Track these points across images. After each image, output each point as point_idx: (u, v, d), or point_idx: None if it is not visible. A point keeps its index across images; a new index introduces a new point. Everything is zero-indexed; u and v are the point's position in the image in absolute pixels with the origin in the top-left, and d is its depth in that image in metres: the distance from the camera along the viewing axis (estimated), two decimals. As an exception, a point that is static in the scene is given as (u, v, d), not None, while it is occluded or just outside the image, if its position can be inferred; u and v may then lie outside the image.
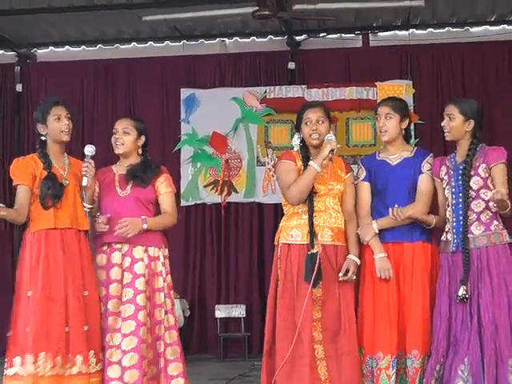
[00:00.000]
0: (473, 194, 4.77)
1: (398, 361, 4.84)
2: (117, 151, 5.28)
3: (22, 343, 4.82)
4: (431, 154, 5.12)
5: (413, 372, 4.81)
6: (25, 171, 4.97)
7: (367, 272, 5.02)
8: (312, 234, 4.94)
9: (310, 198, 4.99)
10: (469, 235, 4.74)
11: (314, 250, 4.91)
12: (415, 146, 5.26)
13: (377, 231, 4.97)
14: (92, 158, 5.05)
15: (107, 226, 5.06)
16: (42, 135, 5.06)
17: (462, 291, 4.67)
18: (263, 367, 5.06)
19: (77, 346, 4.85)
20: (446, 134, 4.93)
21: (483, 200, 4.77)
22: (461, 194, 4.79)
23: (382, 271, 4.91)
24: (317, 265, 4.87)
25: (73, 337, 4.85)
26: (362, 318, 4.97)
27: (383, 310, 4.90)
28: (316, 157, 5.00)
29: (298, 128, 5.17)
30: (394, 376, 4.81)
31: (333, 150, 4.92)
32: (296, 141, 5.18)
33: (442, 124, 4.92)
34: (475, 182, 4.78)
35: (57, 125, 5.03)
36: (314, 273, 4.85)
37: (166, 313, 5.17)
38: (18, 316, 4.91)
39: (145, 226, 5.05)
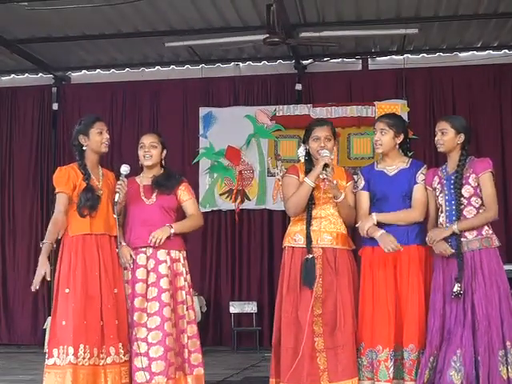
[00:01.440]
0: (464, 201, 4.76)
1: (395, 353, 4.81)
2: (146, 163, 5.27)
3: (59, 336, 4.84)
4: (425, 166, 5.08)
5: (410, 364, 4.77)
6: (66, 181, 4.98)
7: (367, 273, 4.97)
8: (308, 240, 4.92)
9: (308, 206, 4.98)
10: (462, 239, 4.72)
11: (310, 256, 4.90)
12: (410, 158, 5.20)
13: (375, 222, 4.91)
14: (126, 176, 5.06)
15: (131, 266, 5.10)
16: (82, 146, 5.06)
17: (456, 288, 4.64)
18: (272, 358, 5.05)
19: (111, 338, 4.87)
20: (438, 147, 4.90)
21: (474, 207, 4.76)
22: (453, 202, 4.78)
23: (386, 245, 4.81)
24: (314, 268, 4.87)
25: (107, 330, 4.86)
26: (362, 315, 4.92)
27: (382, 307, 4.85)
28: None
29: (305, 141, 5.14)
30: (392, 367, 4.77)
31: (327, 165, 4.88)
32: (302, 152, 5.17)
33: (436, 139, 4.90)
34: (466, 191, 4.77)
35: (99, 138, 5.06)
36: (316, 277, 4.87)
37: (187, 309, 5.17)
38: (57, 311, 4.92)
39: (172, 231, 5.10)
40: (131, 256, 5.07)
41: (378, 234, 4.88)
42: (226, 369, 7.71)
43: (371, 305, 4.89)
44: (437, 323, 4.71)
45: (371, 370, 4.83)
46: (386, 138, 5.03)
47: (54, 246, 4.91)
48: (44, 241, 4.87)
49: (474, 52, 10.36)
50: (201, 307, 9.67)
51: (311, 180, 4.92)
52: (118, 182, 5.02)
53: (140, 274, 5.08)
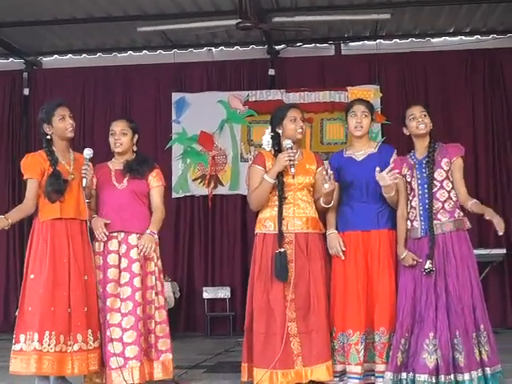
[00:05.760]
0: (437, 184, 4.85)
1: (366, 337, 4.87)
2: (116, 150, 5.27)
3: (26, 322, 4.85)
4: (395, 151, 5.13)
5: (381, 346, 4.85)
6: (34, 166, 4.97)
7: (338, 258, 5.02)
8: (280, 234, 4.95)
9: (279, 195, 4.99)
10: (436, 221, 4.79)
11: (282, 250, 4.92)
12: (382, 142, 5.23)
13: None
14: (90, 160, 5.02)
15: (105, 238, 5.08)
16: (47, 134, 5.02)
17: (428, 264, 4.73)
18: (244, 343, 5.09)
19: (78, 325, 4.87)
20: (421, 127, 4.91)
21: (446, 190, 4.85)
22: (426, 185, 4.85)
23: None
24: (286, 262, 4.91)
25: (74, 317, 4.86)
26: (333, 300, 4.98)
27: (353, 292, 4.92)
28: None
29: (276, 124, 5.11)
30: (362, 351, 4.84)
31: (292, 162, 4.90)
32: (268, 140, 5.17)
33: (419, 120, 4.92)
34: (439, 174, 4.87)
35: (62, 124, 5.02)
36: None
37: (156, 294, 5.17)
38: (24, 297, 4.91)
39: (156, 237, 5.13)
40: (104, 226, 5.07)
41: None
42: (200, 354, 7.71)
43: (342, 289, 4.96)
44: (407, 306, 4.78)
45: (343, 353, 4.90)
46: (366, 121, 5.12)
47: (9, 223, 4.83)
48: (2, 215, 4.84)
49: (446, 38, 10.39)
50: (174, 293, 9.65)
51: (271, 177, 4.95)
52: (83, 167, 4.99)
53: (112, 259, 5.09)
